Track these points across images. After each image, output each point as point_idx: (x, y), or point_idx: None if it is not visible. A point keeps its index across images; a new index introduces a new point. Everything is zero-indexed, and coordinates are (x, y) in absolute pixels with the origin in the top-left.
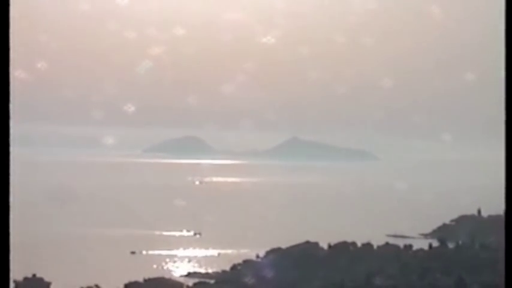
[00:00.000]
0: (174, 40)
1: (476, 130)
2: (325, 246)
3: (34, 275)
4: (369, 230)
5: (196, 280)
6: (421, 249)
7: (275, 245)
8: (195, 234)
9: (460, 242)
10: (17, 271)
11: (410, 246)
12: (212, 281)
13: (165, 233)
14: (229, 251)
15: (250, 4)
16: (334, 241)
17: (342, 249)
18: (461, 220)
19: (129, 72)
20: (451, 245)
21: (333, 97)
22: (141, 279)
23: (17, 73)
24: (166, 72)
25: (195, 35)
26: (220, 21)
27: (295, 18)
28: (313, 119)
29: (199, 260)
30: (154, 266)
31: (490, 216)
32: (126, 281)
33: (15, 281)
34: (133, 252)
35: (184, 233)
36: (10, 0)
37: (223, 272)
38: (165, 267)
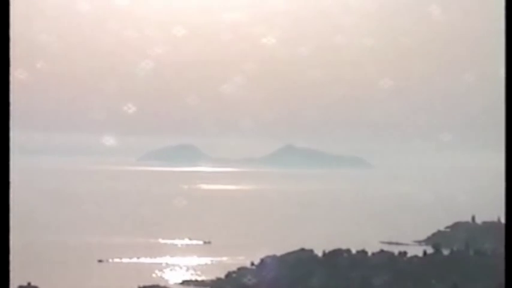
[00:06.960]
0: (174, 40)
1: (474, 133)
2: (320, 254)
3: (29, 284)
4: (364, 237)
5: None
6: (416, 256)
7: (270, 252)
8: (204, 243)
9: (455, 249)
10: (11, 279)
11: (405, 253)
12: None
13: (159, 241)
14: (224, 259)
15: (250, 4)
16: (328, 248)
17: (337, 256)
18: (456, 227)
19: (129, 72)
20: (445, 252)
21: (333, 98)
22: (135, 287)
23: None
24: (166, 72)
25: (195, 35)
26: (220, 21)
27: (295, 18)
28: (313, 122)
29: (194, 268)
30: (147, 274)
31: (484, 223)
32: None
33: None
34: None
35: (179, 240)
36: (10, 0)
37: (218, 279)
38: (159, 275)
